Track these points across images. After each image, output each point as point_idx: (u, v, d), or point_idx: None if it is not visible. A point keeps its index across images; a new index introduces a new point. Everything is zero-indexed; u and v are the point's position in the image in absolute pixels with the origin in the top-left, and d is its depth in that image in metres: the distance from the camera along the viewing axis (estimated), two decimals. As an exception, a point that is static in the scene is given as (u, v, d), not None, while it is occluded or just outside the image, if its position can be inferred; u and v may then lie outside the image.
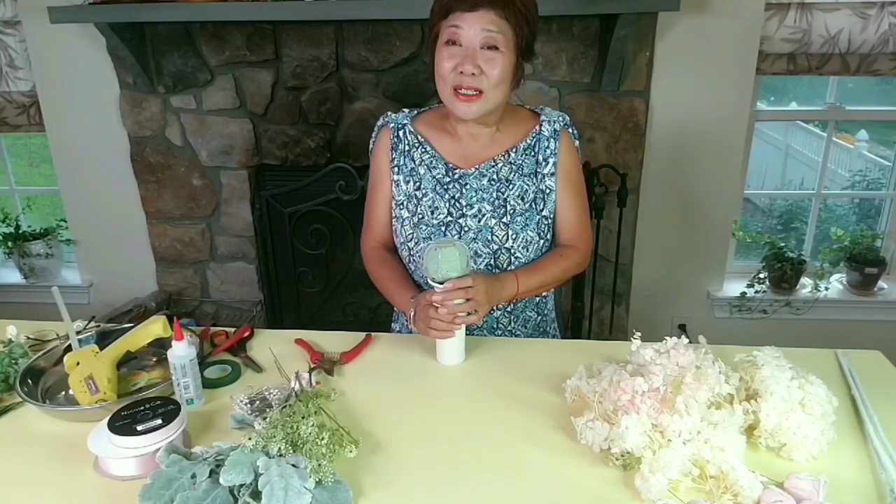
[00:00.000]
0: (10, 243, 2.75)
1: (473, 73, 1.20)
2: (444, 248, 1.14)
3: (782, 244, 2.55)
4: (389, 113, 1.42)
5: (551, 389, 1.11)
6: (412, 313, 1.23)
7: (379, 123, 1.42)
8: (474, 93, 1.22)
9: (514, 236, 1.32)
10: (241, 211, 2.60)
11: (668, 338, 1.02)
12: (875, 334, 2.24)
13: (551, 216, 1.36)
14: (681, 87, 2.31)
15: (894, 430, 0.99)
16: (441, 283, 1.15)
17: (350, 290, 2.60)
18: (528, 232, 1.33)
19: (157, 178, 2.57)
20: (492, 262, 1.33)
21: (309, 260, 2.60)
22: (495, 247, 1.32)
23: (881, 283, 2.60)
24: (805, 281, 2.58)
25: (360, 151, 2.44)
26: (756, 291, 2.54)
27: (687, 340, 1.02)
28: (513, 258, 1.33)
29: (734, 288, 2.58)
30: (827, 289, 2.54)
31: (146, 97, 2.45)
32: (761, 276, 2.55)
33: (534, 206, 1.34)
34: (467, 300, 1.15)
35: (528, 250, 1.34)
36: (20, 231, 2.76)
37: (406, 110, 1.42)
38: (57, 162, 2.63)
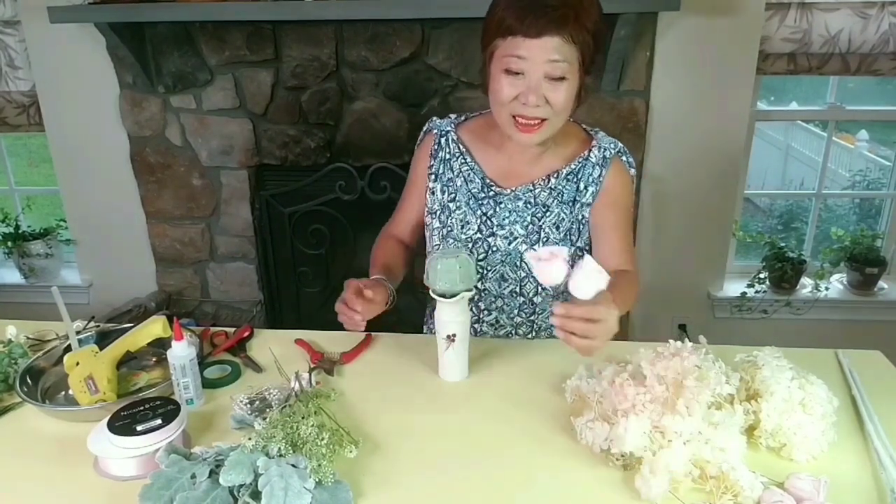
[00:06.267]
0: (9, 243, 2.75)
1: (538, 105, 1.12)
2: (445, 260, 1.09)
3: (782, 244, 2.55)
4: (435, 118, 1.36)
5: (551, 389, 1.11)
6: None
7: (424, 128, 1.37)
8: (536, 122, 1.14)
9: None
10: (241, 211, 2.59)
11: (671, 341, 1.02)
12: (875, 334, 2.24)
13: (587, 247, 1.29)
14: (681, 86, 2.31)
15: (894, 430, 0.99)
16: (441, 295, 1.10)
17: (350, 290, 2.60)
18: None
19: (157, 178, 2.57)
20: (517, 289, 1.29)
21: (309, 260, 2.60)
22: (523, 274, 1.27)
23: (881, 283, 2.60)
24: (805, 281, 2.58)
25: (360, 151, 2.44)
26: (756, 291, 2.54)
27: (690, 344, 1.01)
28: (540, 289, 1.28)
29: (734, 288, 2.58)
30: (827, 289, 2.54)
31: (146, 97, 2.45)
32: (761, 276, 2.55)
33: (569, 236, 1.28)
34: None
35: None
36: (20, 231, 2.76)
37: (452, 116, 1.35)
38: (57, 162, 2.63)
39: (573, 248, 1.27)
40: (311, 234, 2.53)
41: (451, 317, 1.11)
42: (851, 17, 2.23)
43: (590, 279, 0.98)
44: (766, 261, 2.56)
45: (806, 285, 2.57)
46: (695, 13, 2.20)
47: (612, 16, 2.07)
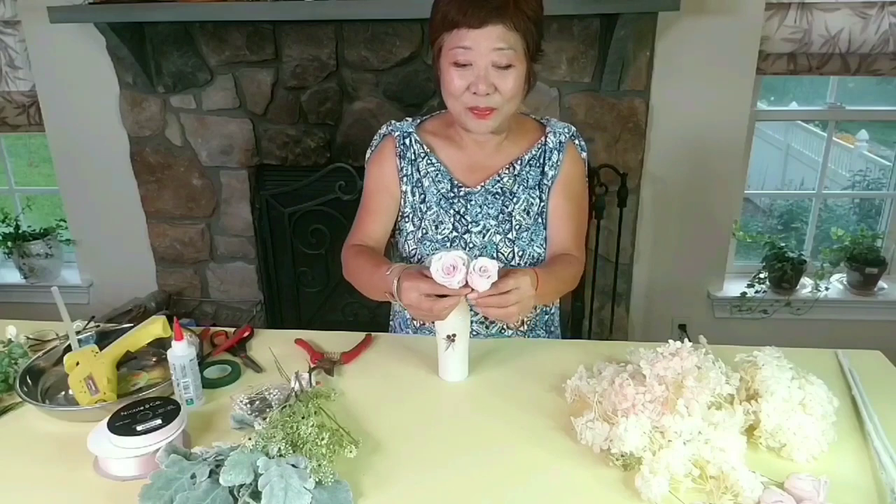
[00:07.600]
0: (9, 243, 2.75)
1: (488, 93, 1.16)
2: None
3: (782, 244, 2.55)
4: (393, 121, 1.37)
5: (551, 389, 1.11)
6: (395, 284, 1.09)
7: (382, 131, 1.36)
8: (489, 110, 1.19)
9: (520, 253, 1.30)
10: (240, 211, 2.59)
11: (670, 341, 1.02)
12: (875, 334, 2.24)
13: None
14: (681, 86, 2.31)
15: (894, 430, 0.99)
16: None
17: (350, 290, 2.58)
18: (535, 248, 1.30)
19: (157, 177, 2.57)
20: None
21: (309, 260, 2.60)
22: (501, 265, 1.29)
23: (881, 283, 2.60)
24: (805, 281, 2.58)
25: (360, 151, 2.43)
26: (756, 291, 2.54)
27: (689, 344, 1.01)
28: None
29: (734, 288, 2.58)
30: (827, 289, 2.54)
31: (146, 97, 2.45)
32: (761, 276, 2.55)
33: (539, 220, 1.31)
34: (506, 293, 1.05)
35: None
36: (20, 231, 2.76)
37: (409, 119, 1.37)
38: (57, 162, 2.63)
39: (545, 233, 1.32)
40: (311, 234, 2.53)
41: (451, 317, 1.11)
42: (851, 17, 2.23)
43: (485, 277, 1.04)
44: (766, 261, 2.56)
45: (806, 285, 2.57)
46: (695, 13, 2.20)
47: (612, 16, 2.07)
